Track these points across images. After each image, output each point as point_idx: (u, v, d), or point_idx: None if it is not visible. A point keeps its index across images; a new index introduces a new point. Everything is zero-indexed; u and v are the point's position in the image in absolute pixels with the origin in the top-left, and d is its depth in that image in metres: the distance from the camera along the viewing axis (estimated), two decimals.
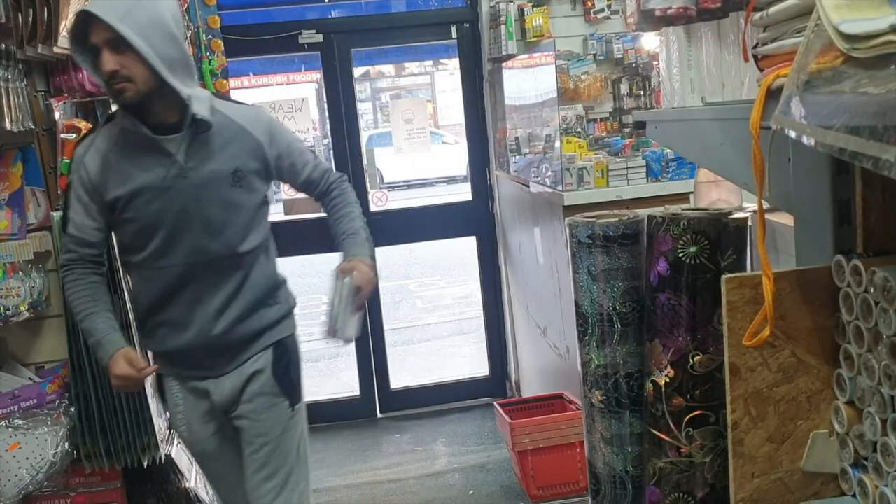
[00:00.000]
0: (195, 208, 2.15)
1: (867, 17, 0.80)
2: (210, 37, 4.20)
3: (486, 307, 5.12)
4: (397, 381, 5.25)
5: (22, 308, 2.43)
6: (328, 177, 2.39)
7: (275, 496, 2.27)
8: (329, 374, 6.32)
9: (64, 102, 2.59)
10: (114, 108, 2.67)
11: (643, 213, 1.80)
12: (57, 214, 2.50)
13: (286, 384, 2.30)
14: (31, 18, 2.31)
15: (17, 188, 2.50)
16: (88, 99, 2.71)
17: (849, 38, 0.82)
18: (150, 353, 2.42)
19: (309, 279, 8.95)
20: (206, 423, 2.32)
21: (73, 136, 2.54)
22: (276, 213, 5.48)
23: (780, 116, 0.96)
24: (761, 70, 1.22)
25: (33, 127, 2.45)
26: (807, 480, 1.25)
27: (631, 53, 4.37)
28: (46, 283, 2.53)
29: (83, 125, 2.59)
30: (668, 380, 1.64)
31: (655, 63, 4.27)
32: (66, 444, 2.47)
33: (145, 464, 2.62)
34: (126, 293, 2.52)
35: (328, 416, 5.01)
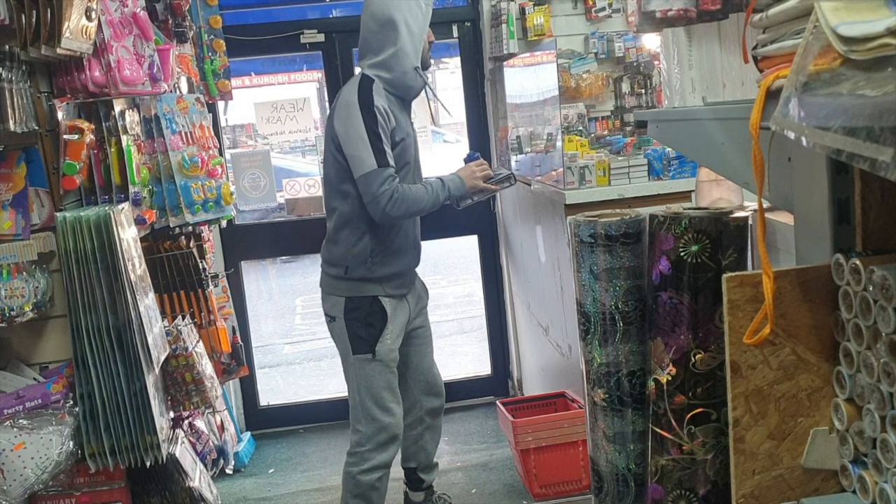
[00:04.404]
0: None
1: (864, 19, 0.81)
2: (212, 37, 4.21)
3: (488, 306, 5.13)
4: None
5: (26, 308, 2.44)
6: None
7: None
8: (332, 372, 6.33)
9: (67, 103, 2.60)
10: (117, 108, 2.68)
11: (645, 211, 1.81)
12: (60, 215, 2.51)
13: None
14: (34, 19, 2.32)
15: (20, 189, 2.51)
16: (91, 100, 2.71)
17: (846, 40, 0.82)
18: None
19: (311, 278, 8.94)
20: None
21: (76, 136, 2.55)
22: (278, 214, 5.52)
23: (779, 117, 0.97)
24: (761, 71, 1.23)
25: (37, 128, 2.46)
26: (807, 477, 1.26)
27: (632, 52, 4.37)
28: (50, 284, 2.54)
29: (86, 126, 2.60)
30: (669, 378, 1.65)
31: (656, 61, 4.27)
32: (71, 444, 2.48)
33: (148, 464, 2.63)
34: (128, 294, 2.53)
35: (331, 414, 5.02)
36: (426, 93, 3.19)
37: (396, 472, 3.65)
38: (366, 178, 2.86)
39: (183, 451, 2.99)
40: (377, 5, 2.98)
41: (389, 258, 3.03)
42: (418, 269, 3.31)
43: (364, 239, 2.99)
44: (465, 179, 3.08)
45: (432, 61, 3.23)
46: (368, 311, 3.02)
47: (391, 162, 2.88)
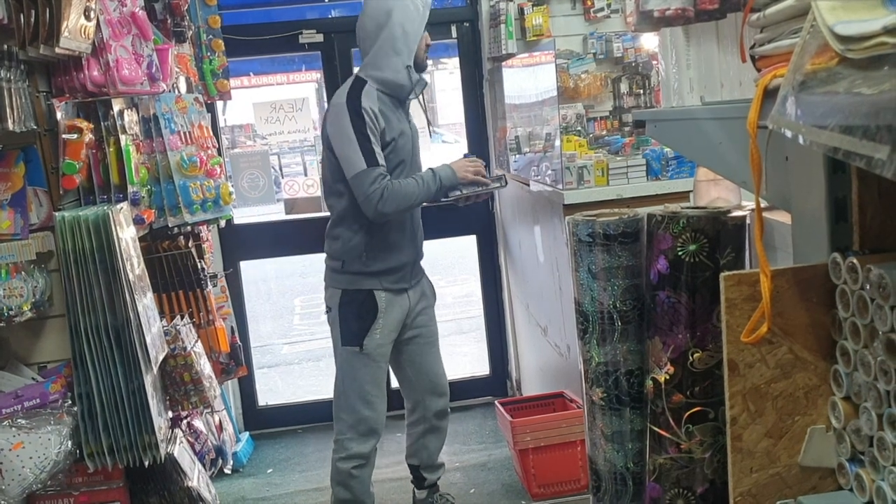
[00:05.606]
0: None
1: (861, 18, 0.81)
2: (211, 37, 4.21)
3: (487, 306, 5.13)
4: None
5: (25, 308, 2.45)
6: None
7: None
8: (330, 373, 6.30)
9: (66, 103, 2.60)
10: (116, 107, 2.68)
11: (643, 211, 1.81)
12: (59, 214, 2.51)
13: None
14: (32, 19, 2.32)
15: (19, 188, 2.51)
16: (90, 99, 2.71)
17: (843, 39, 0.83)
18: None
19: (310, 278, 8.95)
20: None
21: (75, 136, 2.55)
22: (276, 213, 5.51)
23: (776, 116, 0.97)
24: (758, 70, 1.23)
25: (35, 127, 2.46)
26: (804, 475, 1.26)
27: (630, 52, 4.38)
28: (49, 283, 2.55)
29: (85, 125, 2.60)
30: (667, 377, 1.65)
31: (655, 62, 4.27)
32: (69, 444, 2.48)
33: (146, 463, 2.63)
34: (127, 294, 2.53)
35: (329, 414, 4.97)
36: (420, 101, 3.29)
37: (403, 469, 3.67)
38: (357, 179, 2.96)
39: (181, 451, 2.99)
40: (372, 6, 3.06)
41: (384, 254, 3.10)
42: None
43: (358, 235, 3.07)
44: (456, 170, 3.16)
45: (430, 61, 3.26)
46: (361, 305, 3.10)
47: (381, 161, 2.97)
